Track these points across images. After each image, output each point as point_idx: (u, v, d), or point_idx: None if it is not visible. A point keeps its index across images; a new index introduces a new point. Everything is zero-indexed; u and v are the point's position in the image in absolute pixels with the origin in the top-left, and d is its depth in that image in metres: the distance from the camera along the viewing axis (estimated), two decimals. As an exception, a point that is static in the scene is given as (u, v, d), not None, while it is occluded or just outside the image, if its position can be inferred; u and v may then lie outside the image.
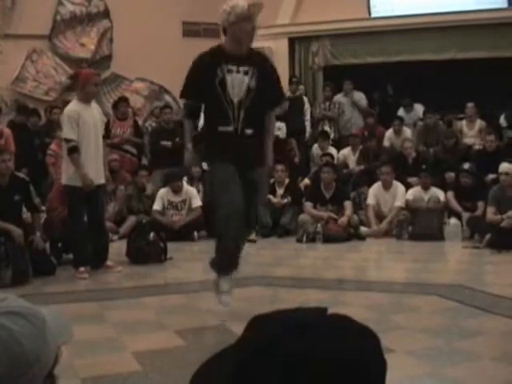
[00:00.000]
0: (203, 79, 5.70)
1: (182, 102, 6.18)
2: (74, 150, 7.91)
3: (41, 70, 14.10)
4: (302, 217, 10.70)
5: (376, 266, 9.08)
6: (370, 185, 11.27)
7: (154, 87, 15.04)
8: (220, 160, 5.69)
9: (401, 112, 13.61)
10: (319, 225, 10.42)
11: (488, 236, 9.41)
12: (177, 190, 10.87)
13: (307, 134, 13.56)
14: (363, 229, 10.71)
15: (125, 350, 5.13)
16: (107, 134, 10.10)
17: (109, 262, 8.37)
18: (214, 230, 6.09)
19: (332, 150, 12.63)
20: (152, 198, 11.11)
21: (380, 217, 10.89)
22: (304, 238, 10.38)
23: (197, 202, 10.93)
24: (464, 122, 12.97)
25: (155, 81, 14.93)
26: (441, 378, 4.46)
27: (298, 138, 13.06)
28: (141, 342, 5.33)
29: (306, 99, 13.84)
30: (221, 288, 5.81)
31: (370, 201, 10.99)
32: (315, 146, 12.96)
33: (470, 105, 12.78)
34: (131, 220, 10.73)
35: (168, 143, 12.07)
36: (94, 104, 8.35)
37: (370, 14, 15.26)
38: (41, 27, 13.98)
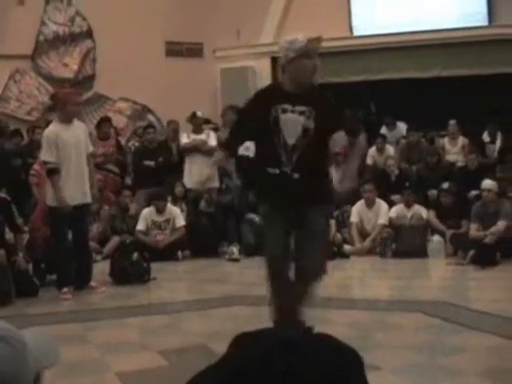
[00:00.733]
0: (255, 118, 5.42)
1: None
2: (52, 172, 7.91)
3: (24, 90, 14.10)
4: (286, 236, 10.68)
5: (360, 284, 9.09)
6: (353, 203, 11.29)
7: (137, 107, 15.04)
8: (269, 204, 5.48)
9: (383, 130, 13.66)
10: (303, 243, 10.43)
11: (471, 252, 9.44)
12: (161, 210, 10.86)
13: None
14: (347, 247, 10.71)
15: (108, 371, 5.12)
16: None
17: (92, 283, 8.34)
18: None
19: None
20: (136, 218, 11.09)
21: (363, 235, 10.90)
22: (287, 257, 10.36)
23: (180, 221, 10.93)
24: (446, 140, 13.04)
25: (138, 100, 14.94)
26: (425, 395, 4.46)
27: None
28: (124, 363, 5.31)
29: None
30: None
31: (354, 219, 11.01)
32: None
33: (453, 122, 12.86)
34: (115, 240, 10.70)
35: (151, 163, 12.07)
36: (77, 123, 8.35)
37: (352, 32, 15.36)
38: (24, 47, 13.97)
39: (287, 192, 5.25)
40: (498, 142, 12.96)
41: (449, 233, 10.35)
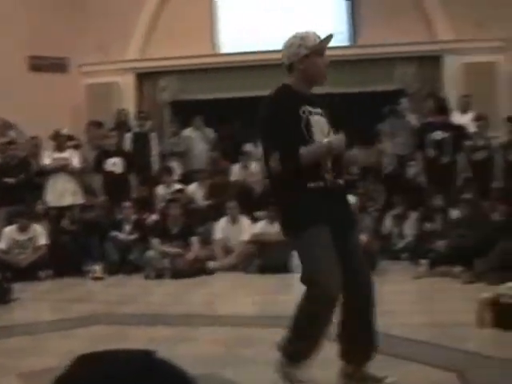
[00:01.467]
0: (289, 127, 4.59)
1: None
2: None
3: None
4: (150, 253, 10.65)
5: (224, 300, 9.11)
6: (217, 219, 11.36)
7: (-1, 122, 14.66)
8: (314, 224, 4.55)
9: (248, 147, 13.77)
10: (167, 261, 10.44)
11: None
12: (23, 228, 10.64)
13: (154, 170, 13.48)
14: (211, 263, 10.76)
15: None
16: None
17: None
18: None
19: (178, 186, 12.59)
20: (-3, 237, 10.83)
21: (227, 251, 10.98)
22: (152, 275, 10.35)
23: (42, 239, 10.73)
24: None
25: (0, 116, 14.57)
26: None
27: (142, 173, 12.98)
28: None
29: (153, 135, 13.76)
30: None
31: (218, 235, 11.08)
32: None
33: (316, 139, 13.07)
34: (-25, 260, 10.41)
35: (12, 180, 11.78)
36: None
37: (217, 50, 15.47)
38: None
39: (335, 205, 4.64)
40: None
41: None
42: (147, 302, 8.76)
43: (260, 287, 9.53)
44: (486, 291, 7.06)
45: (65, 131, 12.09)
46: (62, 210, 11.77)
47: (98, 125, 13.38)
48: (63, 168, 11.83)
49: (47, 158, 11.94)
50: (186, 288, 9.59)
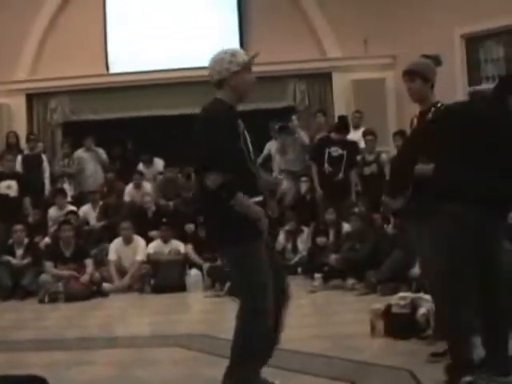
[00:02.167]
0: (231, 147, 4.59)
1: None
2: None
3: None
4: (43, 276, 10.46)
5: (120, 322, 9.02)
6: (111, 240, 11.27)
7: None
8: (257, 238, 4.64)
9: (141, 167, 13.73)
10: (60, 284, 10.29)
11: (228, 284, 9.67)
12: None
13: (46, 192, 13.28)
14: (106, 285, 10.65)
15: None
16: None
17: None
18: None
19: (71, 208, 12.43)
20: None
21: (122, 272, 10.90)
22: (46, 299, 10.18)
23: None
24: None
25: None
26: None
27: (35, 196, 12.73)
28: None
29: (44, 156, 13.56)
30: None
31: (112, 256, 10.99)
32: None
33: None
34: None
35: None
36: None
37: (108, 70, 15.38)
38: None
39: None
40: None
41: (206, 266, 10.57)
42: (42, 327, 8.60)
43: (155, 307, 9.49)
44: (378, 302, 7.22)
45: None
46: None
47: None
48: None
49: None
50: (80, 311, 9.47)
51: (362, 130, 12.67)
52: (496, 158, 4.56)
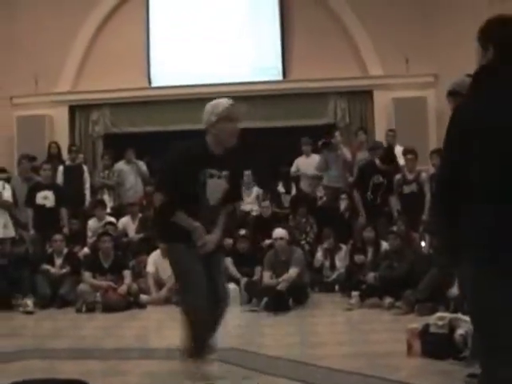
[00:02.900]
0: (183, 182, 5.55)
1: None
2: None
3: None
4: (82, 286, 10.54)
5: (156, 334, 9.05)
6: (148, 253, 11.31)
7: None
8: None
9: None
10: (98, 294, 10.35)
11: (265, 299, 9.69)
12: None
13: (86, 203, 13.40)
14: (143, 296, 10.70)
15: None
16: None
17: None
18: None
19: (110, 219, 12.53)
20: None
21: (160, 284, 10.93)
22: (83, 308, 10.25)
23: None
24: (242, 189, 13.36)
25: None
26: None
27: (74, 206, 12.87)
28: None
29: (85, 168, 13.70)
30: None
31: (150, 268, 11.03)
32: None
33: (247, 173, 13.20)
34: None
35: None
36: None
37: (150, 83, 15.52)
38: None
39: None
40: (293, 193, 13.46)
41: (243, 280, 10.58)
42: (78, 336, 8.66)
43: (192, 320, 9.49)
44: (415, 322, 7.18)
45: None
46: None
47: (31, 158, 13.24)
48: (-6, 201, 11.70)
49: None
50: (117, 322, 9.52)
51: (398, 147, 12.65)
52: None
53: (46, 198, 12.13)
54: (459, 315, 6.57)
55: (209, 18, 15.49)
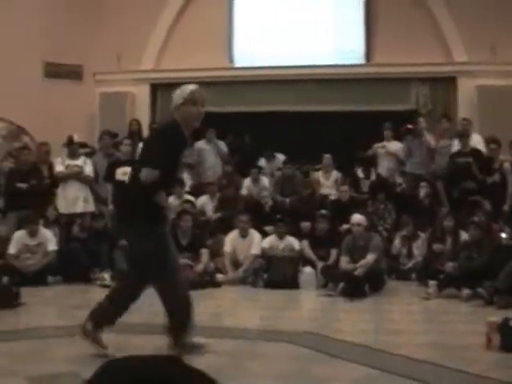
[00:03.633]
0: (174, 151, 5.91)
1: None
2: None
3: None
4: (159, 263, 10.65)
5: (231, 313, 9.09)
6: (226, 232, 11.37)
7: (13, 127, 14.72)
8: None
9: (262, 162, 13.83)
10: (176, 271, 10.44)
11: (341, 285, 9.65)
12: (33, 233, 10.66)
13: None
14: (219, 276, 10.78)
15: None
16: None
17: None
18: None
19: (188, 198, 12.58)
20: (6, 241, 10.85)
21: (236, 264, 10.99)
22: (160, 284, 10.37)
23: (52, 245, 10.76)
24: (320, 173, 13.32)
25: (15, 121, 14.63)
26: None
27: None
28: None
29: (165, 146, 13.75)
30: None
31: (227, 248, 11.09)
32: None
33: (327, 156, 13.16)
34: (-17, 263, 10.43)
35: (23, 185, 11.81)
36: None
37: (232, 63, 15.53)
38: None
39: None
40: (373, 178, 13.35)
41: (320, 264, 10.55)
42: (154, 312, 8.72)
43: (267, 302, 9.52)
44: (493, 314, 7.06)
45: (76, 138, 12.10)
46: (72, 217, 11.81)
47: (112, 135, 13.40)
48: (75, 175, 11.87)
49: (60, 165, 11.97)
50: (193, 299, 9.57)
51: (475, 136, 12.45)
52: None
53: (125, 173, 12.23)
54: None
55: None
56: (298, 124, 14.46)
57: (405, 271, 11.09)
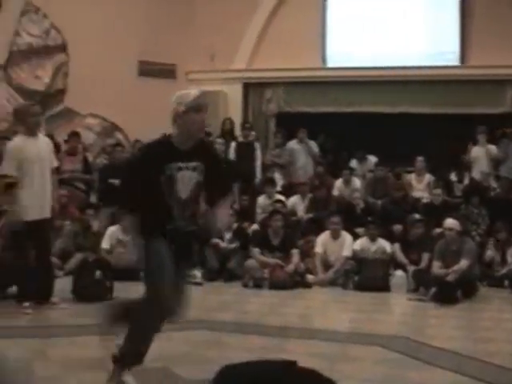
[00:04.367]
0: (147, 175, 5.12)
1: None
2: (12, 186, 7.88)
3: (-7, 100, 13.95)
4: (249, 262, 10.69)
5: (321, 315, 9.08)
6: (317, 233, 11.32)
7: (107, 124, 14.99)
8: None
9: (354, 163, 13.75)
10: (266, 271, 10.47)
11: (433, 289, 9.51)
12: (126, 228, 10.82)
13: (257, 180, 13.53)
14: (310, 277, 10.74)
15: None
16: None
17: (54, 299, 8.28)
18: None
19: (279, 197, 12.58)
20: (99, 235, 11.05)
21: (327, 265, 10.93)
22: (250, 283, 10.41)
23: (144, 241, 10.89)
24: (413, 176, 13.17)
25: (108, 118, 14.89)
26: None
27: (247, 183, 13.06)
28: (84, 381, 5.26)
29: (257, 145, 13.80)
30: None
31: (318, 249, 11.04)
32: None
33: (420, 158, 13.00)
34: (77, 257, 10.61)
35: (116, 181, 11.96)
36: (42, 136, 8.35)
37: (325, 63, 15.50)
38: (-3, 56, 13.90)
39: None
40: (466, 182, 13.15)
41: (411, 268, 10.42)
42: (243, 311, 8.81)
43: (357, 304, 9.45)
44: None
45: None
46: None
47: (206, 133, 13.49)
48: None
49: None
50: (283, 299, 9.60)
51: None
52: None
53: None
54: None
55: (387, 0, 15.31)
56: (390, 126, 14.33)
57: (497, 278, 10.84)
